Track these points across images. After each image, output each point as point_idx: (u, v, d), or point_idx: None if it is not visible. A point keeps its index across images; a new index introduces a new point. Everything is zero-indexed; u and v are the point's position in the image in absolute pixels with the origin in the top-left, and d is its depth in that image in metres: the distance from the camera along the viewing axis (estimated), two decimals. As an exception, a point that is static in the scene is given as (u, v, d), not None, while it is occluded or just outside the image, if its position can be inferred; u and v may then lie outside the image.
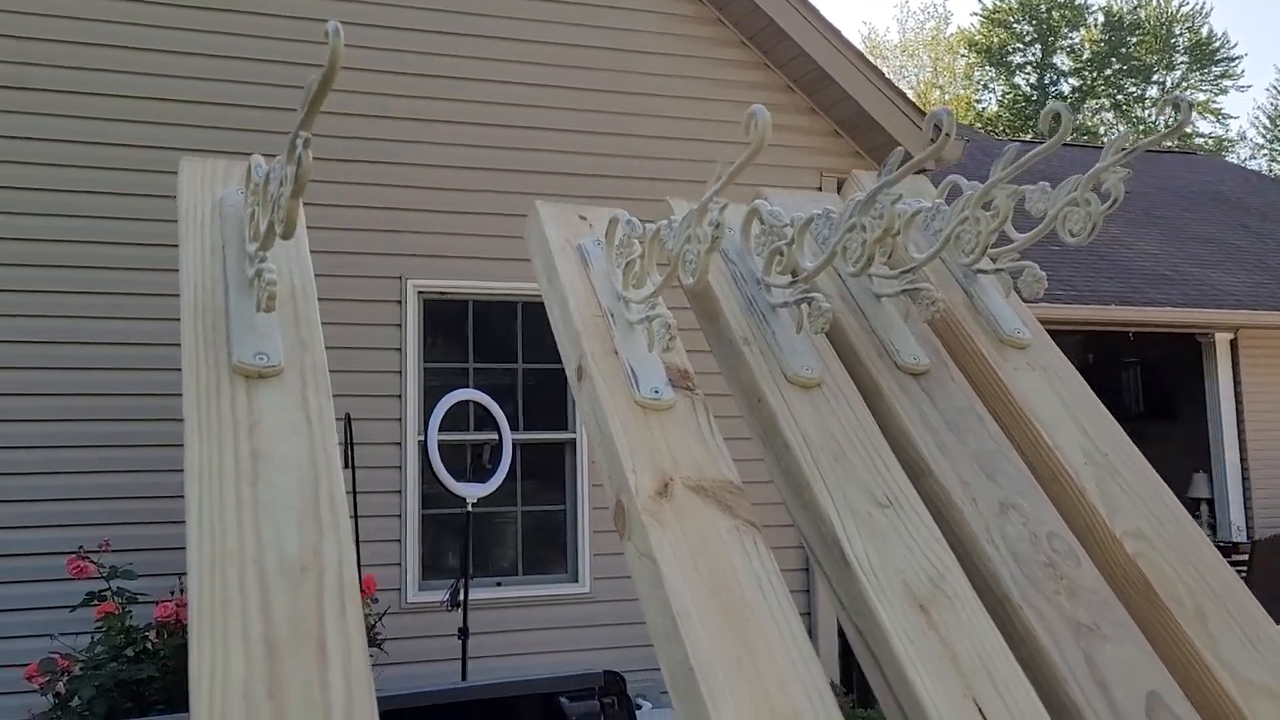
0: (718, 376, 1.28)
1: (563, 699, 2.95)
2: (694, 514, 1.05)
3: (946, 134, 1.04)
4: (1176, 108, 1.09)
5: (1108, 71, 33.68)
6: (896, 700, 0.97)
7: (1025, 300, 1.32)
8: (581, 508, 6.50)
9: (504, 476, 4.94)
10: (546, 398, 6.65)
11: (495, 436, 4.91)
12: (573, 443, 6.57)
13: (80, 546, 4.79)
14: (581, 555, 6.48)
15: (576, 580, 6.45)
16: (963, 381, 1.28)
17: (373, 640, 5.10)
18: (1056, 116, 1.08)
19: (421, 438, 5.83)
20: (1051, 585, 1.07)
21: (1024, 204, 1.27)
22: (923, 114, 7.07)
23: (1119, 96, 33.95)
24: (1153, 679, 1.01)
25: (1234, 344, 10.97)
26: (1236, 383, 11.02)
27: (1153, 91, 33.59)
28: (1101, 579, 1.10)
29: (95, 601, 4.71)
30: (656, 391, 1.15)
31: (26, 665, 4.71)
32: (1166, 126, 1.15)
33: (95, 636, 4.62)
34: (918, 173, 1.34)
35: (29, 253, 5.55)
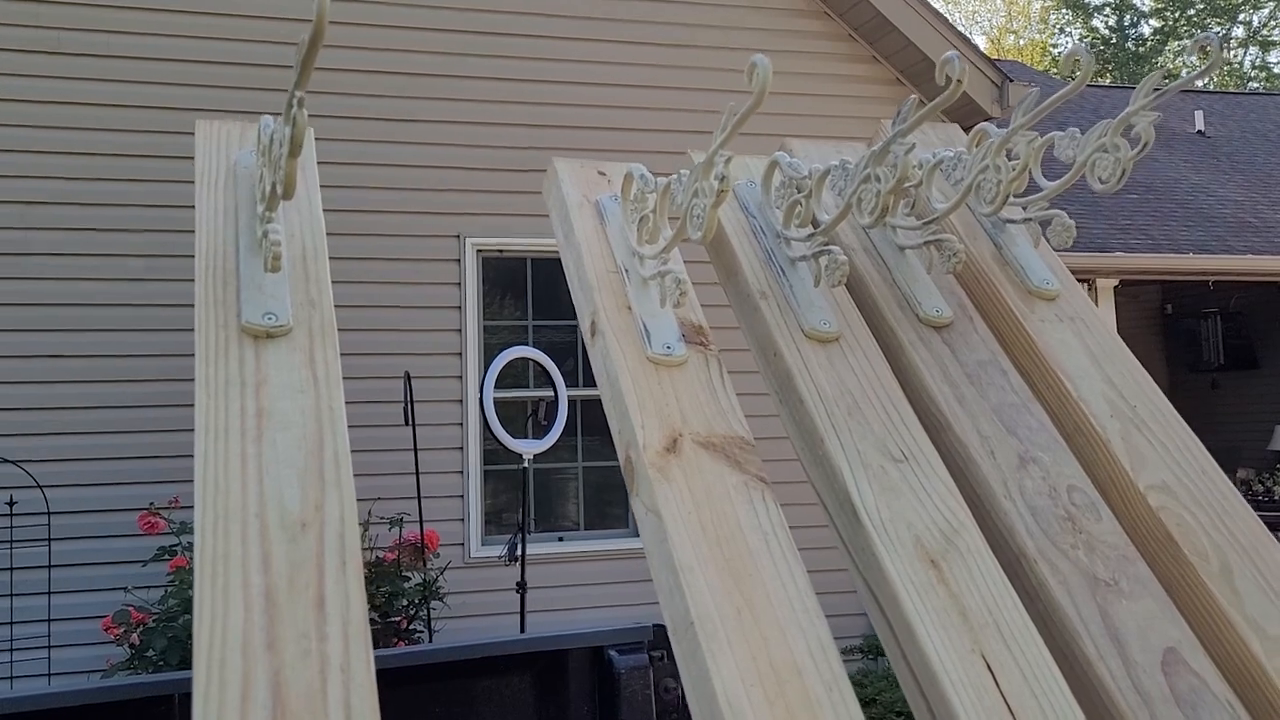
0: (736, 330, 1.27)
1: (612, 652, 2.97)
2: (701, 469, 1.04)
3: (958, 81, 1.01)
4: (1205, 50, 1.05)
5: (1190, 11, 32.51)
6: (903, 654, 0.97)
7: (1054, 249, 1.29)
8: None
9: (560, 433, 4.97)
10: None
11: (551, 393, 4.94)
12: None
13: (151, 503, 4.94)
14: (642, 510, 6.51)
15: (638, 535, 6.50)
16: (987, 334, 1.25)
17: (435, 594, 5.20)
18: (1077, 61, 1.05)
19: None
20: (1069, 539, 1.05)
21: (1053, 151, 1.23)
22: (989, 60, 6.90)
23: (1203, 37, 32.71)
24: (1171, 634, 0.99)
25: (1319, 292, 10.60)
26: (1321, 332, 10.67)
27: (1239, 32, 32.36)
28: (1123, 533, 1.07)
29: (166, 556, 4.85)
30: (669, 347, 1.14)
31: (103, 618, 4.88)
32: (1197, 68, 1.10)
33: (167, 590, 4.77)
34: (949, 120, 1.31)
35: (90, 217, 5.68)
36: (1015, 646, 0.95)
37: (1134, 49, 33.59)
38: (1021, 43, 34.90)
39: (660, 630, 3.12)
